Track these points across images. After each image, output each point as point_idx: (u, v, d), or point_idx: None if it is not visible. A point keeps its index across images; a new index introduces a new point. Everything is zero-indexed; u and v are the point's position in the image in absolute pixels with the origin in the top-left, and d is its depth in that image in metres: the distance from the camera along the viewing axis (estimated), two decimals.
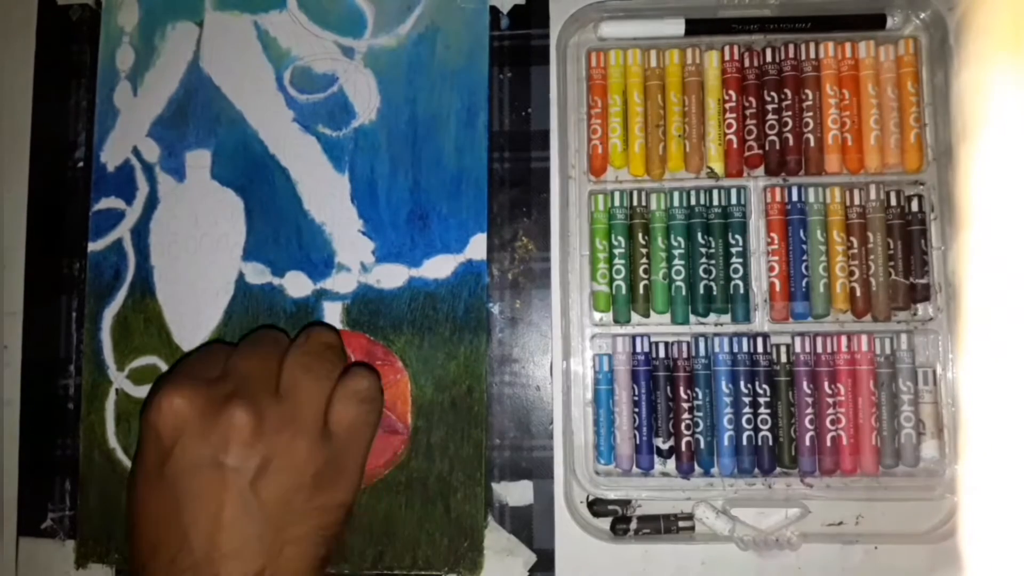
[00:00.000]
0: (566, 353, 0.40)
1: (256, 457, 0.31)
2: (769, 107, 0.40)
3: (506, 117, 0.42)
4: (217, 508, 0.30)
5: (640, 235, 0.40)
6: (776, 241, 0.40)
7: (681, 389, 0.39)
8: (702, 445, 0.39)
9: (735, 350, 0.39)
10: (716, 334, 0.40)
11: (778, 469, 0.39)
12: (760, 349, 0.39)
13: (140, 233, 0.42)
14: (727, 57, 0.41)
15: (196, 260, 0.42)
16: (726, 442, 0.39)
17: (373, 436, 0.36)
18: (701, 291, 0.40)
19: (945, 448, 0.38)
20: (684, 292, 0.40)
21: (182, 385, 0.32)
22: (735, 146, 0.41)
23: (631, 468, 0.39)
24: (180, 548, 0.30)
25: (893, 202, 0.40)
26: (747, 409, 0.39)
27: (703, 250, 0.40)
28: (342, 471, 0.34)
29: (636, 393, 0.40)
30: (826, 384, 0.39)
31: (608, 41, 0.42)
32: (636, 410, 0.39)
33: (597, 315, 0.40)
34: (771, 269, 0.40)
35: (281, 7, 0.43)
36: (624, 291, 0.40)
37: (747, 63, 0.41)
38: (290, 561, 0.31)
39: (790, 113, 0.40)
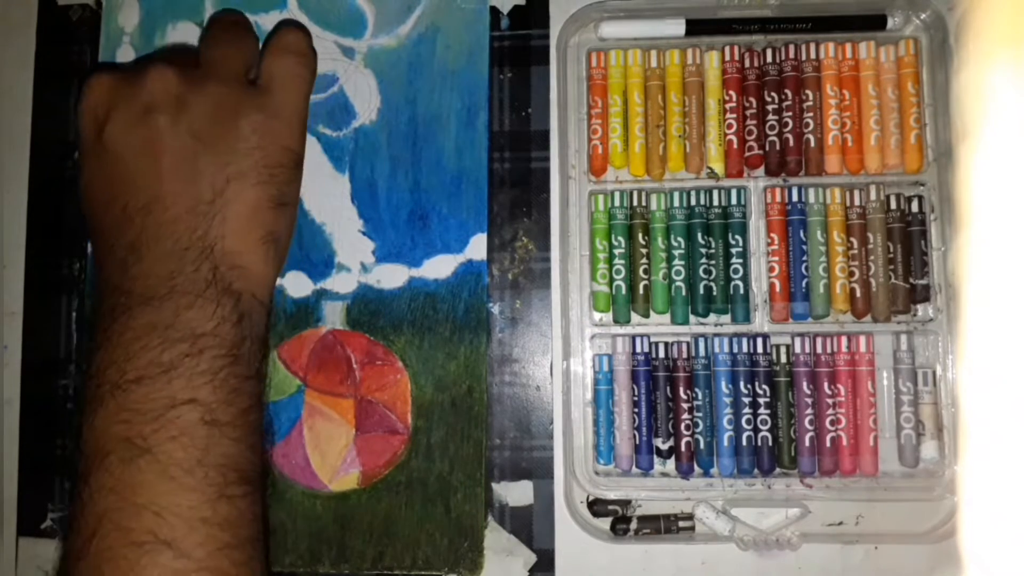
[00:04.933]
0: (566, 353, 0.40)
1: (181, 99, 0.34)
2: (769, 107, 0.40)
3: (506, 117, 0.42)
4: (156, 152, 0.33)
5: (640, 235, 0.40)
6: (776, 241, 0.40)
7: (681, 389, 0.39)
8: (702, 445, 0.39)
9: (735, 350, 0.39)
10: (716, 334, 0.40)
11: (778, 470, 0.39)
12: (760, 350, 0.39)
13: None
14: (727, 57, 0.41)
15: None
16: (726, 442, 0.39)
17: (310, 89, 0.39)
18: (701, 291, 0.40)
19: (945, 448, 0.38)
20: (684, 292, 0.40)
21: (102, 70, 0.36)
22: (735, 146, 0.40)
23: (631, 468, 0.39)
24: (129, 195, 0.33)
25: (893, 203, 0.40)
26: (747, 410, 0.39)
27: (703, 250, 0.40)
28: (278, 117, 0.36)
29: (636, 393, 0.40)
30: (826, 385, 0.39)
31: (608, 41, 0.42)
32: (636, 410, 0.39)
33: (597, 315, 0.40)
34: (771, 270, 0.40)
35: (281, 7, 0.43)
36: (624, 291, 0.40)
37: (747, 63, 0.41)
38: (238, 194, 0.34)
39: (790, 114, 0.40)
